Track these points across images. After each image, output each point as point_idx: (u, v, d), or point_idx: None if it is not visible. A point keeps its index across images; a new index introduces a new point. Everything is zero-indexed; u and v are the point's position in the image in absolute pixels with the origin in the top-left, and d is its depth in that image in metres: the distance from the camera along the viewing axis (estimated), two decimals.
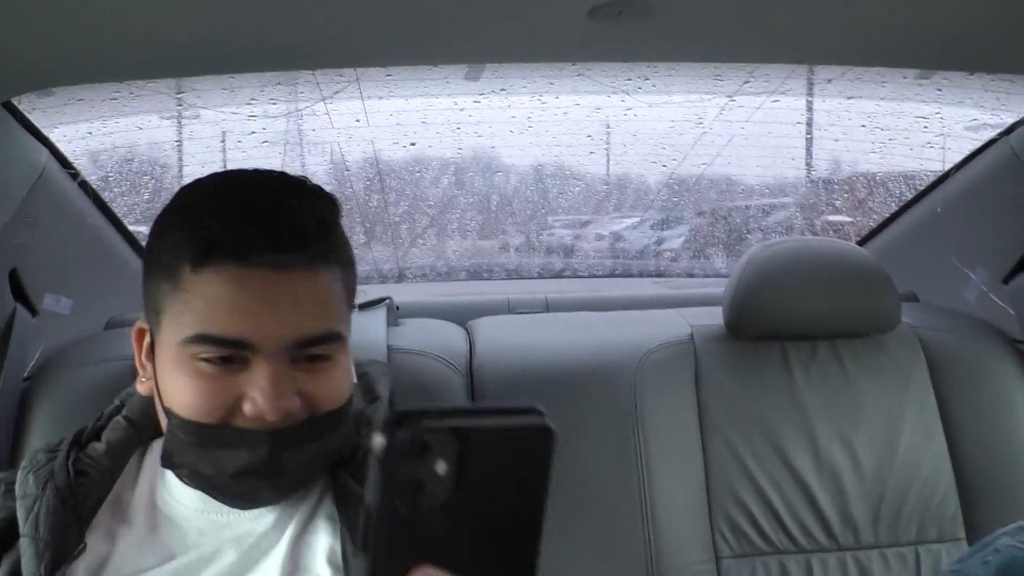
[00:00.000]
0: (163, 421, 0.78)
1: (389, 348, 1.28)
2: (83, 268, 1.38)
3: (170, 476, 0.82)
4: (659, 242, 2.42)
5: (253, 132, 1.52)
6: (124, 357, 1.17)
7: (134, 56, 0.97)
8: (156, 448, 0.86)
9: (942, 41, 1.02)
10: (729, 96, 1.43)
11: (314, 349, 0.75)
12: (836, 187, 2.08)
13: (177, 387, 0.74)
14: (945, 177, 1.58)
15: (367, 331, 1.34)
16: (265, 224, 0.73)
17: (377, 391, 0.95)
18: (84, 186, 1.36)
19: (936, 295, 1.64)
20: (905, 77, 1.25)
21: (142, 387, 0.83)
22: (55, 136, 1.27)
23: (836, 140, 1.80)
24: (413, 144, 1.75)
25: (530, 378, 1.31)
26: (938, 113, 1.52)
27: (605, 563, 1.22)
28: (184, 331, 0.73)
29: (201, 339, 0.72)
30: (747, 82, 1.29)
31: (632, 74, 1.25)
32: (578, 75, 1.21)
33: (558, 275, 2.23)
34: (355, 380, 0.89)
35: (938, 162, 1.56)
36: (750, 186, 2.22)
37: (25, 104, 1.14)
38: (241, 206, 0.75)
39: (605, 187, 2.21)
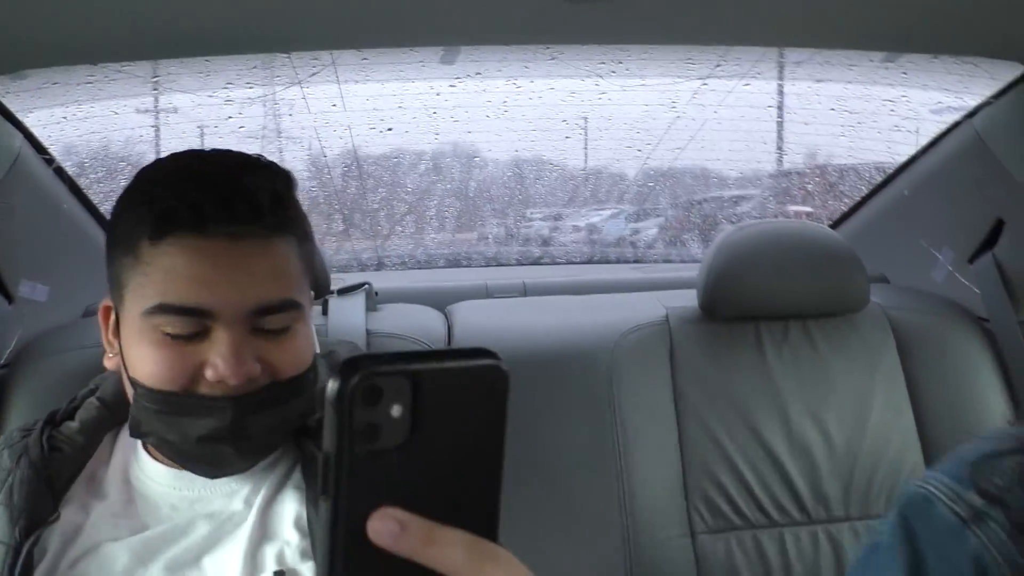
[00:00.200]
0: (129, 392, 0.79)
1: (368, 332, 1.29)
2: (60, 255, 1.37)
3: (143, 455, 0.84)
4: (635, 232, 2.45)
5: (230, 117, 1.52)
6: (101, 344, 1.17)
7: (108, 39, 0.97)
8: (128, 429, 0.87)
9: (906, 24, 1.05)
10: (701, 79, 1.44)
11: (272, 318, 0.77)
12: (808, 173, 2.11)
13: (140, 357, 0.76)
14: (912, 160, 1.61)
15: (346, 316, 1.35)
16: (220, 196, 0.75)
17: None
18: (59, 172, 1.35)
19: (905, 276, 1.68)
20: (872, 60, 1.27)
21: (109, 362, 0.84)
22: (30, 121, 1.27)
23: (806, 124, 1.83)
24: (390, 129, 1.75)
25: (507, 361, 1.32)
26: (904, 96, 1.54)
27: (582, 541, 1.24)
28: (145, 303, 0.75)
29: (162, 309, 0.74)
30: (719, 65, 1.31)
31: (606, 58, 1.26)
32: (552, 59, 1.22)
33: (536, 262, 2.24)
34: (318, 351, 0.92)
35: (905, 145, 1.58)
36: (722, 172, 2.24)
37: None
38: (197, 180, 0.77)
39: (581, 172, 2.22)
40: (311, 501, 0.81)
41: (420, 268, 2.17)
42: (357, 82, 1.35)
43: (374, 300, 1.43)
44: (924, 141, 1.54)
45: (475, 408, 0.34)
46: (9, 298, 1.24)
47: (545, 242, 2.37)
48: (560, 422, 1.29)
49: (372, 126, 1.74)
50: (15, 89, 1.13)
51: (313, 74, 1.19)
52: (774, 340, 1.37)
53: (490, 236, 2.34)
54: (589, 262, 2.29)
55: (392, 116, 1.69)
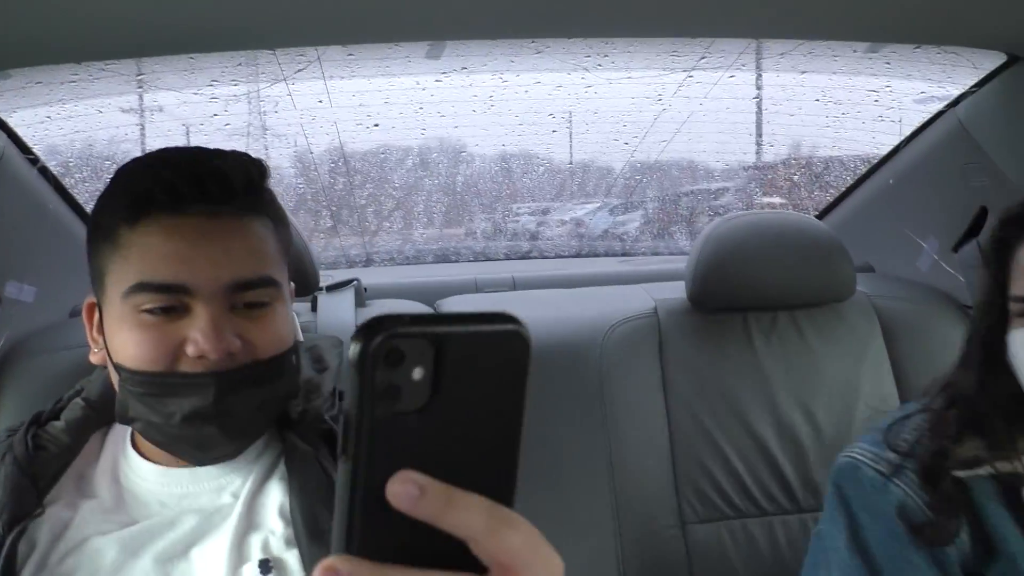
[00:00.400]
0: (115, 381, 0.80)
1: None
2: (45, 255, 1.37)
3: (132, 454, 0.85)
4: (621, 224, 2.45)
5: (215, 115, 1.51)
6: (88, 343, 1.17)
7: (91, 37, 0.97)
8: (116, 430, 0.89)
9: (889, 14, 1.05)
10: (687, 72, 1.45)
11: (250, 294, 0.79)
12: (793, 162, 2.12)
13: (123, 341, 0.77)
14: (897, 150, 1.62)
15: (335, 312, 1.35)
16: (194, 177, 0.78)
17: (327, 361, 0.98)
18: (44, 172, 1.34)
19: (891, 265, 1.69)
20: (855, 51, 1.28)
21: (94, 357, 0.85)
22: (13, 121, 1.26)
23: (791, 115, 1.84)
24: (377, 125, 1.75)
25: None
26: (888, 86, 1.55)
27: (574, 533, 1.24)
28: (125, 284, 0.77)
29: (141, 287, 0.76)
30: (704, 57, 1.31)
31: (592, 51, 1.27)
32: (538, 52, 1.22)
33: (525, 256, 2.25)
34: (300, 338, 0.93)
35: (889, 135, 1.60)
36: (708, 164, 2.25)
37: None
38: (171, 164, 0.80)
39: (568, 166, 2.22)
40: (294, 492, 0.82)
41: (408, 264, 2.17)
42: (343, 78, 1.35)
43: (363, 296, 1.42)
44: (908, 131, 1.55)
45: (497, 373, 0.34)
46: None
47: (533, 236, 2.37)
48: (550, 415, 1.29)
49: (359, 122, 1.74)
50: None
51: (299, 70, 1.19)
52: (762, 330, 1.38)
53: (478, 231, 2.34)
54: (577, 255, 2.29)
55: (378, 112, 1.68)
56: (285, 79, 1.26)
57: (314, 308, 1.37)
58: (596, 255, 2.30)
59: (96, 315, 0.84)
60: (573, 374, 1.32)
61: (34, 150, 1.33)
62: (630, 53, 1.28)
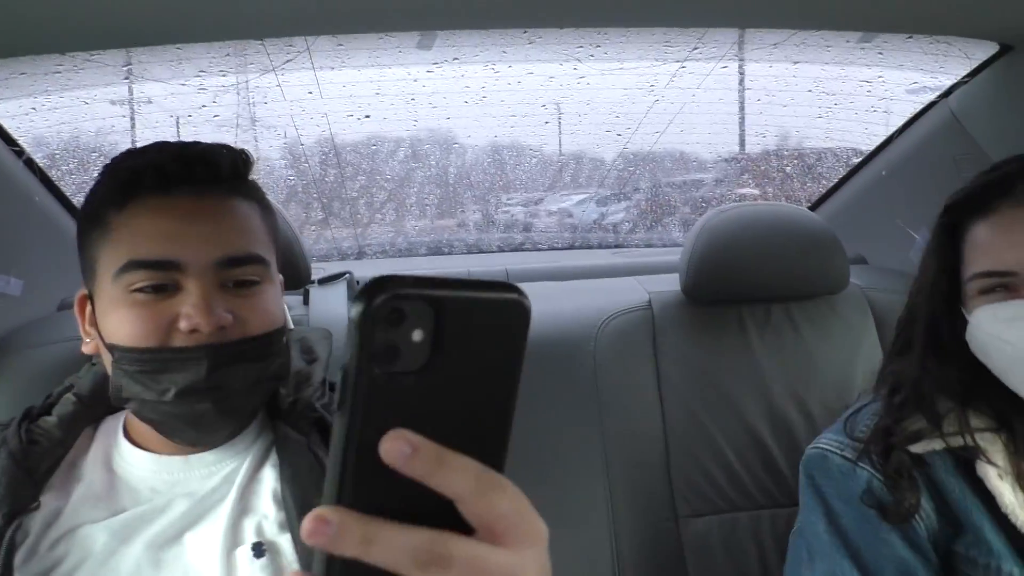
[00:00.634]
0: (108, 364, 0.81)
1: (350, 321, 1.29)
2: (32, 249, 1.35)
3: (124, 443, 0.86)
4: (615, 214, 2.45)
5: (204, 106, 1.50)
6: (77, 338, 1.15)
7: (76, 27, 0.95)
8: (108, 423, 0.91)
9: (881, 3, 1.05)
10: (679, 62, 1.44)
11: (239, 271, 0.81)
12: (786, 153, 2.12)
13: (116, 321, 0.78)
14: (889, 141, 1.62)
15: (328, 305, 1.35)
16: (182, 159, 0.81)
17: (316, 352, 1.00)
18: (30, 164, 1.33)
19: (883, 256, 1.69)
20: (848, 41, 1.27)
21: (87, 348, 0.86)
22: None
23: (784, 106, 1.83)
24: (368, 116, 1.74)
25: None
26: (881, 77, 1.55)
27: (568, 525, 1.24)
28: (115, 265, 0.78)
29: (132, 265, 0.77)
30: (696, 48, 1.31)
31: (584, 41, 1.26)
32: (530, 43, 1.21)
33: (518, 248, 2.25)
34: (291, 327, 0.96)
35: (881, 126, 1.59)
36: (700, 155, 2.25)
37: None
38: (159, 149, 0.83)
39: (561, 157, 2.21)
40: (286, 480, 0.83)
41: (401, 256, 2.17)
42: (333, 68, 1.34)
43: (355, 289, 1.41)
44: (900, 121, 1.55)
45: (494, 340, 0.34)
46: None
47: (526, 228, 2.37)
48: (545, 408, 1.29)
49: (349, 113, 1.73)
50: None
51: (288, 61, 1.18)
52: (756, 323, 1.38)
53: (470, 223, 2.34)
54: (571, 247, 2.29)
55: (369, 103, 1.68)
56: (274, 70, 1.24)
57: (306, 301, 1.36)
58: (590, 247, 2.30)
59: (88, 307, 0.85)
60: (567, 367, 1.32)
61: (19, 142, 1.31)
62: (623, 44, 1.27)
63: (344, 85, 1.54)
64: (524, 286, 1.33)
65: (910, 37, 1.18)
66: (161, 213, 0.79)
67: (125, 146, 0.91)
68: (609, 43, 1.27)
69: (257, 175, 0.91)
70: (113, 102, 1.55)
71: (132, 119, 1.61)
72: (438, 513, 0.34)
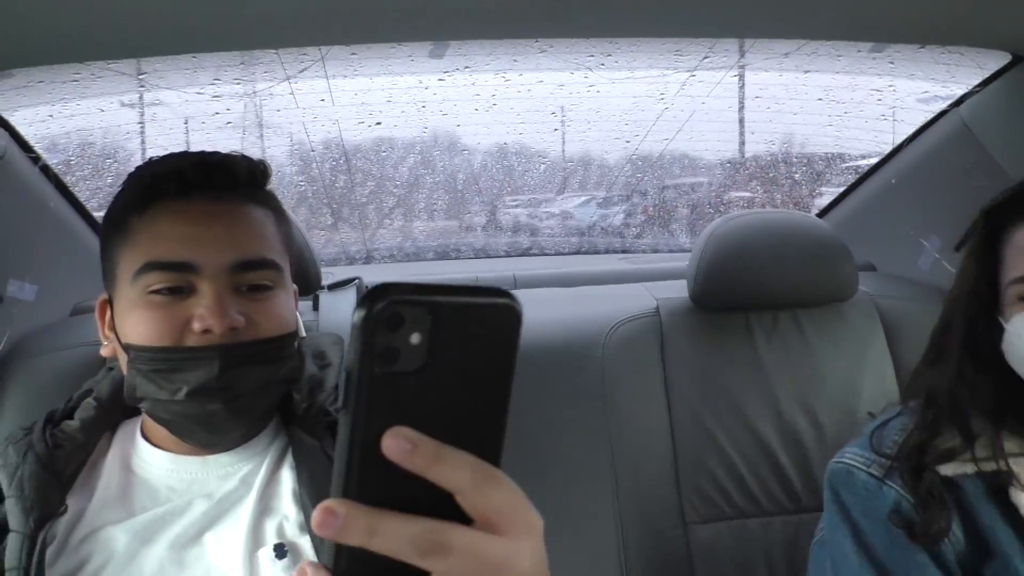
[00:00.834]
0: (124, 365, 0.83)
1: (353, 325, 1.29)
2: (47, 254, 1.36)
3: (141, 443, 0.88)
4: (623, 218, 2.46)
5: (217, 113, 1.51)
6: (91, 343, 1.17)
7: (95, 36, 0.96)
8: (126, 426, 0.92)
9: (893, 14, 1.05)
10: (690, 71, 1.44)
11: (252, 275, 0.83)
12: (795, 160, 2.12)
13: (133, 322, 0.80)
14: (899, 149, 1.62)
15: (338, 311, 1.35)
16: (201, 165, 0.83)
17: (328, 358, 1.02)
18: (46, 170, 1.34)
19: (892, 264, 1.69)
20: (859, 51, 1.28)
21: (105, 351, 0.88)
22: (15, 119, 1.26)
23: (795, 113, 1.83)
24: (379, 123, 1.75)
25: None
26: (891, 86, 1.55)
27: (576, 532, 1.24)
28: (134, 267, 0.80)
29: (149, 267, 0.80)
30: (707, 57, 1.31)
31: (594, 50, 1.26)
32: (541, 52, 1.22)
33: (525, 253, 2.25)
34: (303, 334, 0.98)
35: (891, 134, 1.60)
36: (708, 160, 2.25)
37: None
38: (179, 156, 0.87)
39: (570, 164, 2.22)
40: (304, 484, 0.84)
41: (409, 261, 2.17)
42: (346, 76, 1.35)
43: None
44: (911, 130, 1.55)
45: (488, 342, 0.36)
46: None
47: (534, 233, 2.37)
48: (553, 415, 1.29)
49: (360, 120, 1.74)
50: (1, 88, 1.12)
51: (302, 70, 1.19)
52: (764, 330, 1.38)
53: (478, 228, 2.34)
54: (578, 252, 2.29)
55: (381, 110, 1.69)
56: (288, 79, 1.25)
57: (316, 307, 1.37)
58: (596, 252, 2.30)
59: (108, 312, 0.87)
60: (575, 373, 1.32)
61: (35, 148, 1.32)
62: (633, 52, 1.28)
63: (356, 93, 1.55)
64: (532, 292, 1.35)
65: (922, 47, 1.18)
66: (179, 216, 0.81)
67: (139, 153, 0.93)
68: (620, 52, 1.27)
69: (269, 181, 0.92)
70: (123, 104, 1.57)
71: (141, 124, 1.62)
72: (438, 505, 0.36)
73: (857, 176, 1.76)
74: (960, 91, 1.40)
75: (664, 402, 1.32)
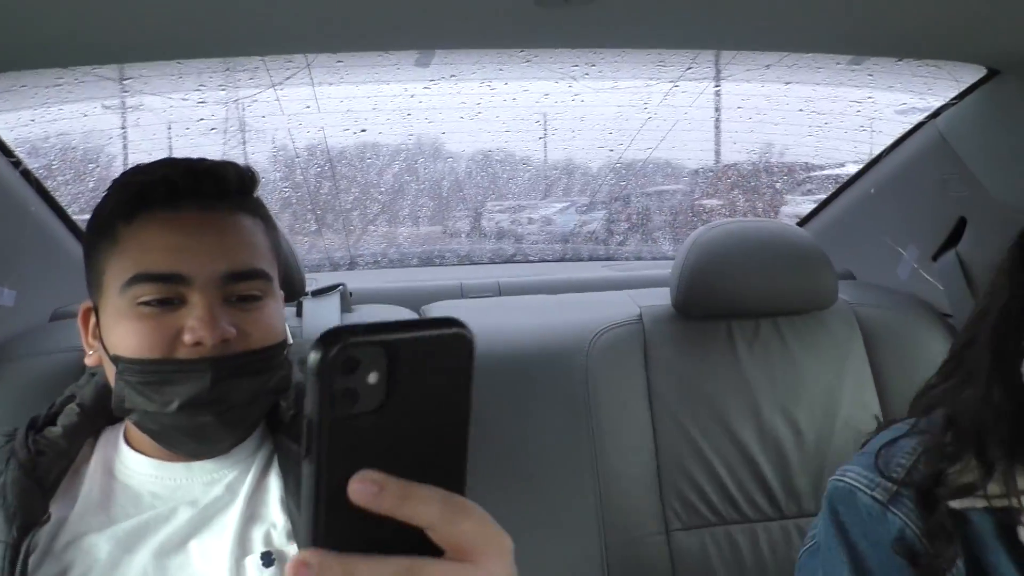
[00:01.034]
0: (112, 375, 0.81)
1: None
2: (27, 259, 1.35)
3: (124, 448, 0.87)
4: (607, 226, 2.48)
5: (201, 119, 1.51)
6: (70, 348, 1.16)
7: (78, 41, 0.96)
8: (109, 432, 0.91)
9: (872, 28, 1.07)
10: (672, 81, 1.46)
11: (243, 285, 0.82)
12: (776, 169, 2.15)
13: (122, 333, 0.79)
14: (878, 159, 1.64)
15: (321, 318, 1.35)
16: (190, 174, 0.82)
17: None
18: (26, 174, 1.33)
19: (871, 273, 1.71)
20: (839, 63, 1.30)
21: (89, 360, 0.87)
22: None
23: (776, 124, 1.86)
24: (363, 131, 1.75)
25: (483, 361, 1.32)
26: (870, 98, 1.58)
27: (559, 539, 1.25)
28: (123, 277, 0.79)
29: (139, 278, 0.79)
30: (689, 68, 1.33)
31: (579, 60, 1.27)
32: (526, 61, 1.23)
33: (509, 260, 2.25)
34: (291, 341, 0.95)
35: (870, 145, 1.62)
36: (688, 167, 2.28)
37: None
38: (168, 164, 0.85)
39: (554, 172, 2.23)
40: (291, 492, 0.84)
41: (393, 267, 2.17)
42: (331, 84, 1.35)
43: (348, 301, 1.42)
44: (889, 141, 1.57)
45: (444, 372, 0.37)
46: None
47: (518, 239, 2.38)
48: (536, 422, 1.30)
49: (346, 127, 1.75)
50: None
51: (288, 77, 1.19)
52: (746, 338, 1.39)
53: (463, 234, 2.35)
54: (562, 260, 2.30)
55: (366, 117, 1.69)
56: (274, 86, 1.25)
57: (299, 313, 1.36)
58: (580, 259, 2.31)
59: (92, 319, 0.86)
60: (558, 381, 1.33)
61: (16, 152, 1.31)
62: (617, 62, 1.29)
63: (342, 100, 1.55)
64: (516, 299, 1.35)
65: (900, 60, 1.20)
66: (169, 226, 0.80)
67: (122, 159, 0.92)
68: (604, 62, 1.28)
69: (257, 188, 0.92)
70: (106, 108, 1.56)
71: (124, 129, 1.61)
72: (410, 540, 0.36)
73: (837, 185, 1.79)
74: (937, 103, 1.42)
75: (647, 409, 1.33)
